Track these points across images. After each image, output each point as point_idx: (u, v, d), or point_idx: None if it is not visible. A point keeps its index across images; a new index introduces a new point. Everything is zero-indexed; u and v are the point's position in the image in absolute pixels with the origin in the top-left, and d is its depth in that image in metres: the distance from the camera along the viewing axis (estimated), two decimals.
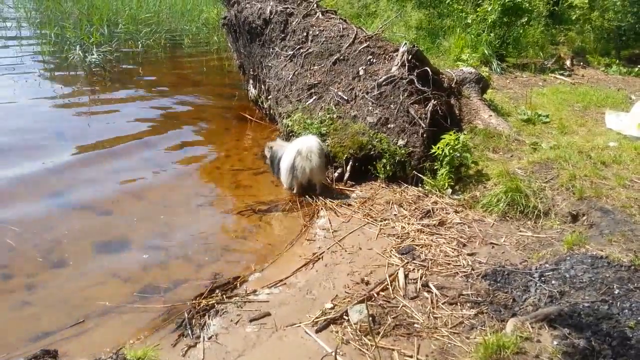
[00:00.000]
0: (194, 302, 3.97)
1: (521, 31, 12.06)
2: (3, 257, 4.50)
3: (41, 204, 5.49)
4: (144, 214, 5.45)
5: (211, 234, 5.21)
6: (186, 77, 11.74)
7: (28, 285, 4.18)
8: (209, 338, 3.59)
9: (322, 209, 5.63)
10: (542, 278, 4.08)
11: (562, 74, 11.33)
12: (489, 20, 11.28)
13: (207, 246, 4.95)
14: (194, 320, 3.76)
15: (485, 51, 11.00)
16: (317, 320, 3.74)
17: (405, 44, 6.93)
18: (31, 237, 4.84)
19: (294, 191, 5.90)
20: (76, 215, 5.38)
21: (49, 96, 9.23)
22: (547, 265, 4.27)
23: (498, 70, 10.94)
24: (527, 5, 11.27)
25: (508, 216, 5.27)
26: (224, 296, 4.07)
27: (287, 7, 8.15)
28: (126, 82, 10.78)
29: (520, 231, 5.03)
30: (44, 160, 6.48)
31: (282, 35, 7.93)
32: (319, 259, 4.66)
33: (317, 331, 3.63)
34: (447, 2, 13.01)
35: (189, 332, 3.64)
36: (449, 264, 4.50)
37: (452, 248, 4.75)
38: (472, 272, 4.34)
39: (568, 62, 12.25)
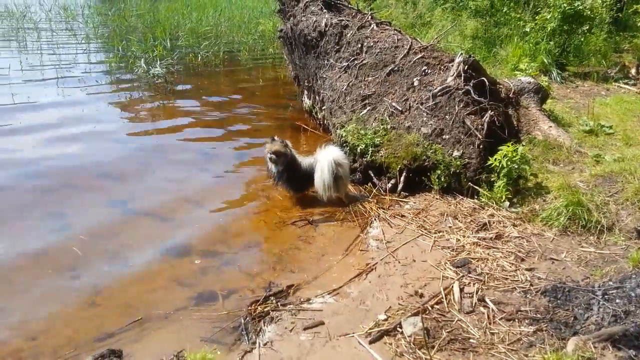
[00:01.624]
0: (249, 308, 4.06)
1: (582, 39, 11.67)
2: (72, 261, 4.76)
3: (106, 211, 5.78)
4: (202, 221, 5.62)
5: (266, 242, 5.32)
6: (243, 88, 12.06)
7: (95, 287, 4.41)
8: (264, 344, 3.66)
9: (375, 219, 5.63)
10: (606, 296, 3.92)
11: (626, 83, 10.87)
12: (548, 29, 10.99)
13: (261, 255, 5.06)
14: (249, 326, 3.84)
15: (545, 60, 10.71)
16: (370, 331, 3.74)
17: (461, 54, 6.87)
18: (97, 241, 5.11)
19: (345, 201, 5.98)
20: (139, 221, 5.63)
21: (116, 107, 9.75)
22: (610, 283, 4.10)
23: (558, 79, 10.62)
24: (589, 12, 10.90)
25: (569, 231, 5.10)
26: (279, 304, 4.14)
27: (342, 20, 8.25)
28: (187, 93, 11.22)
29: (582, 247, 4.85)
30: (108, 168, 6.85)
31: (337, 47, 8.02)
32: (372, 269, 4.67)
33: (370, 342, 3.63)
34: (504, 10, 12.76)
35: (245, 337, 3.73)
36: (506, 278, 4.40)
37: (509, 262, 4.64)
38: (531, 287, 4.23)
39: (633, 71, 11.72)
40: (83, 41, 15.48)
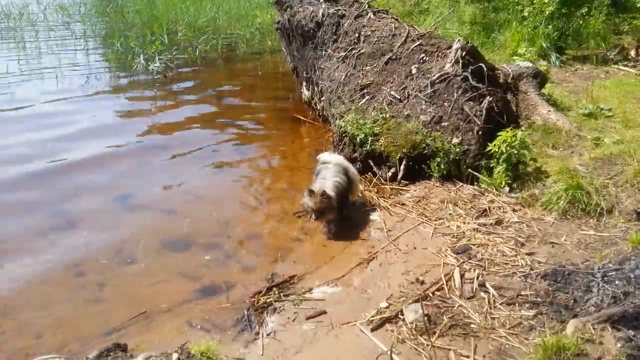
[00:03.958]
0: (252, 299, 4.11)
1: (581, 22, 11.57)
2: (77, 256, 4.82)
3: (109, 205, 5.86)
4: (204, 214, 5.67)
5: (268, 234, 5.36)
6: (242, 81, 12.07)
7: (99, 282, 4.46)
8: (268, 334, 3.71)
9: (376, 209, 5.66)
10: (605, 278, 3.94)
11: (626, 65, 10.77)
12: (547, 12, 10.90)
13: (264, 246, 5.10)
14: (253, 317, 3.89)
15: (543, 44, 10.64)
16: (372, 319, 3.78)
17: (459, 40, 6.86)
18: (102, 236, 5.17)
19: None
20: (141, 214, 5.70)
21: (115, 105, 9.78)
22: (610, 265, 4.12)
23: (557, 63, 10.55)
24: None
25: (569, 214, 5.11)
26: (281, 294, 4.18)
27: (339, 9, 8.23)
28: (186, 88, 11.25)
29: (582, 230, 4.87)
30: (108, 164, 6.92)
31: (334, 37, 8.01)
32: (374, 258, 4.70)
33: (372, 330, 3.67)
34: None
35: (249, 328, 3.78)
36: (506, 263, 4.43)
37: (509, 247, 4.67)
38: (531, 272, 4.25)
39: (633, 52, 11.60)
40: (81, 39, 15.46)
